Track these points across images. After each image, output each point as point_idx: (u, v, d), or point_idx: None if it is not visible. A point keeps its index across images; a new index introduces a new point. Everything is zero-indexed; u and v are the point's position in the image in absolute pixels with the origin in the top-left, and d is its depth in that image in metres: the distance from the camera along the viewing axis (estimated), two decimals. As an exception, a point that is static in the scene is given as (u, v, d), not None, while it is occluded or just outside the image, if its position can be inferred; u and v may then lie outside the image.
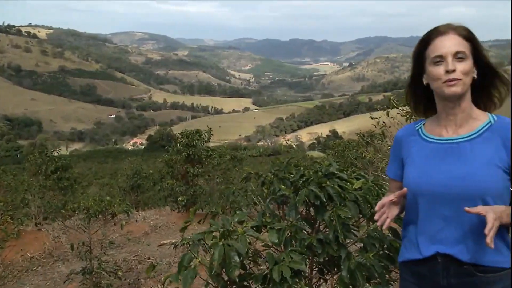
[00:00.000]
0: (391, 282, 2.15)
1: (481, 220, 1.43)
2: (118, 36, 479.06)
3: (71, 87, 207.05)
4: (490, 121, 1.56)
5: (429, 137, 1.64)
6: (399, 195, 1.56)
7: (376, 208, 1.58)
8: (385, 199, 1.57)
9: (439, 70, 1.51)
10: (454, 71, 1.49)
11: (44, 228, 8.94)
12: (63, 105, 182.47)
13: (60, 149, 17.65)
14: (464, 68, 1.50)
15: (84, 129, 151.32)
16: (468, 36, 1.53)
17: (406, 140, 1.70)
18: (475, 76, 1.55)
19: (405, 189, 1.58)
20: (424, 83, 1.61)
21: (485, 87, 1.60)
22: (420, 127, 1.69)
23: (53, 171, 12.90)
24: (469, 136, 1.55)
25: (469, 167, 1.49)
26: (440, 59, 1.51)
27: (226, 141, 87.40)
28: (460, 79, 1.49)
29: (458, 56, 1.50)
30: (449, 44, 1.50)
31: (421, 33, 1.62)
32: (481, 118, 1.58)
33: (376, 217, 1.57)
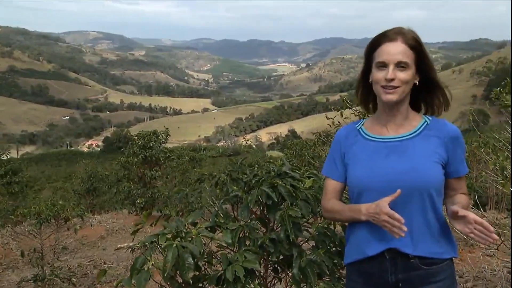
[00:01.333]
0: (343, 278, 2.20)
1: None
2: (71, 35, 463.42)
3: (22, 87, 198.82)
4: (426, 121, 1.65)
5: (370, 136, 1.68)
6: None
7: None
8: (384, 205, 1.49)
9: (380, 75, 1.57)
10: (393, 79, 1.54)
11: (-7, 235, 8.56)
12: (13, 106, 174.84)
13: (10, 153, 16.92)
14: (403, 78, 1.55)
15: (36, 131, 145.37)
16: (414, 45, 1.57)
17: (347, 139, 1.73)
18: (417, 83, 1.61)
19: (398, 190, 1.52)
20: (370, 81, 1.64)
21: (429, 92, 1.67)
22: (361, 127, 1.74)
23: (2, 175, 12.40)
24: (410, 134, 1.63)
25: (413, 162, 1.56)
26: (382, 65, 1.57)
27: (185, 142, 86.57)
28: (398, 87, 1.55)
29: (400, 65, 1.55)
30: (394, 52, 1.55)
31: (374, 34, 1.64)
32: (417, 119, 1.66)
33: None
